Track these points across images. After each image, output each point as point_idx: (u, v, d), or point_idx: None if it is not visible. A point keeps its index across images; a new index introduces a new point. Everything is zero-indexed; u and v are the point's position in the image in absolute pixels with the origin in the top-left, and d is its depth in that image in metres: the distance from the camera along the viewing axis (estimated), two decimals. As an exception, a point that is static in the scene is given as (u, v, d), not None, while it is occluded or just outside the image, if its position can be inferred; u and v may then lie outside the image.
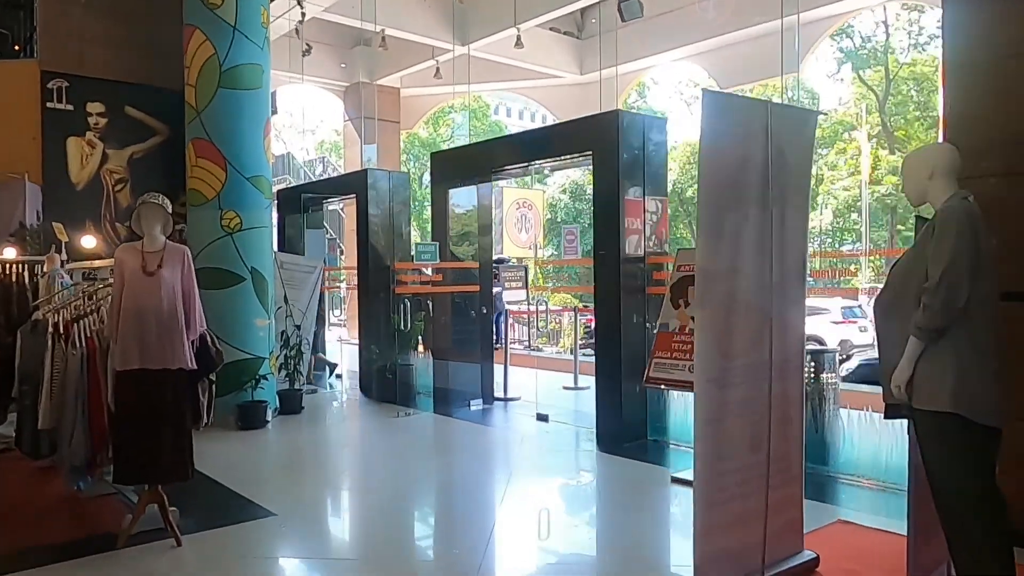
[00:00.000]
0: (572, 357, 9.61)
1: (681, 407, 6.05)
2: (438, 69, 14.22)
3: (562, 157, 6.68)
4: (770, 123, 3.15)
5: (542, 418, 7.08)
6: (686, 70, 24.65)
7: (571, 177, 32.90)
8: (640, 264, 6.15)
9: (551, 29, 15.23)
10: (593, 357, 8.20)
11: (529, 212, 27.74)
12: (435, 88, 16.21)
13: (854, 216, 25.60)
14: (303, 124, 34.47)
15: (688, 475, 4.98)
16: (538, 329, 8.46)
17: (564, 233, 6.98)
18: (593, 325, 8.37)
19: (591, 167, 6.39)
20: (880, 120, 23.98)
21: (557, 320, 16.67)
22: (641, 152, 6.13)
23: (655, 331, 5.23)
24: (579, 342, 9.65)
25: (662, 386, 5.14)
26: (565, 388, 8.98)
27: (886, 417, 2.90)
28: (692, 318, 4.85)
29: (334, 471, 5.87)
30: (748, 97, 3.37)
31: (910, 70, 25.87)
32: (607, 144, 6.07)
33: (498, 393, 8.13)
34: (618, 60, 14.14)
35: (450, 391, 7.81)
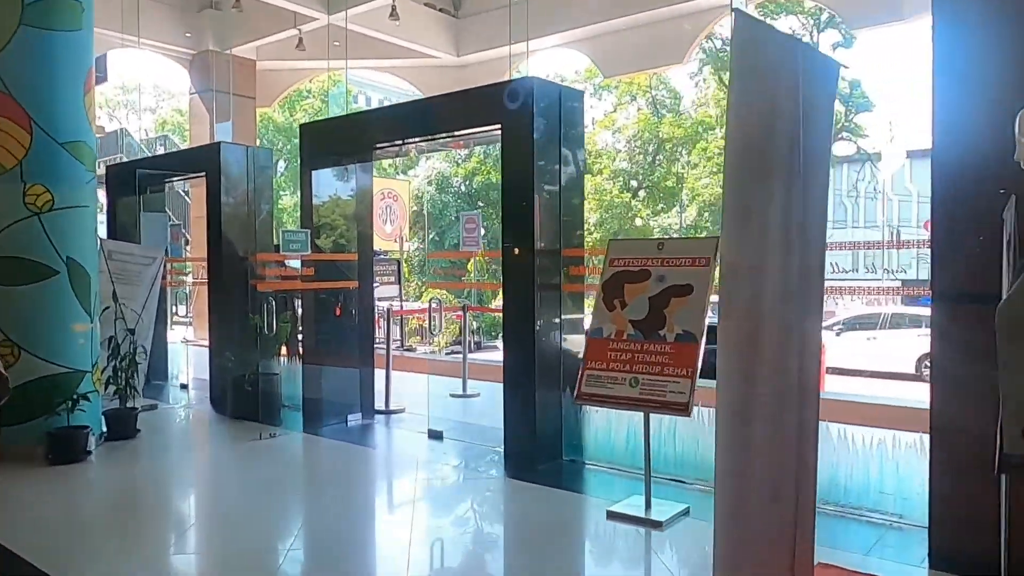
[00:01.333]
0: (446, 358, 8.66)
1: (601, 420, 5.28)
2: (301, 40, 12.78)
3: (462, 132, 5.71)
4: (803, 67, 2.37)
5: (435, 436, 6.09)
6: (568, 57, 24.34)
7: (436, 168, 31.91)
8: (555, 257, 5.31)
9: (426, 4, 14.15)
10: (463, 358, 7.43)
11: (394, 203, 26.46)
12: (297, 62, 14.68)
13: (715, 214, 26.30)
14: (140, 98, 31.16)
15: (629, 508, 4.16)
16: (431, 332, 7.44)
17: (463, 221, 6.00)
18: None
19: (499, 143, 5.48)
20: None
21: (421, 318, 15.68)
22: (557, 127, 5.28)
23: (585, 336, 4.39)
24: (463, 342, 8.71)
25: (598, 405, 4.31)
26: (453, 396, 8.03)
27: (1002, 472, 2.17)
28: (631, 322, 4.09)
29: (175, 520, 4.58)
30: (779, 31, 2.53)
31: (765, 74, 26.90)
32: (519, 116, 5.17)
33: (379, 404, 7.05)
34: (500, 42, 13.30)
35: (323, 404, 6.64)
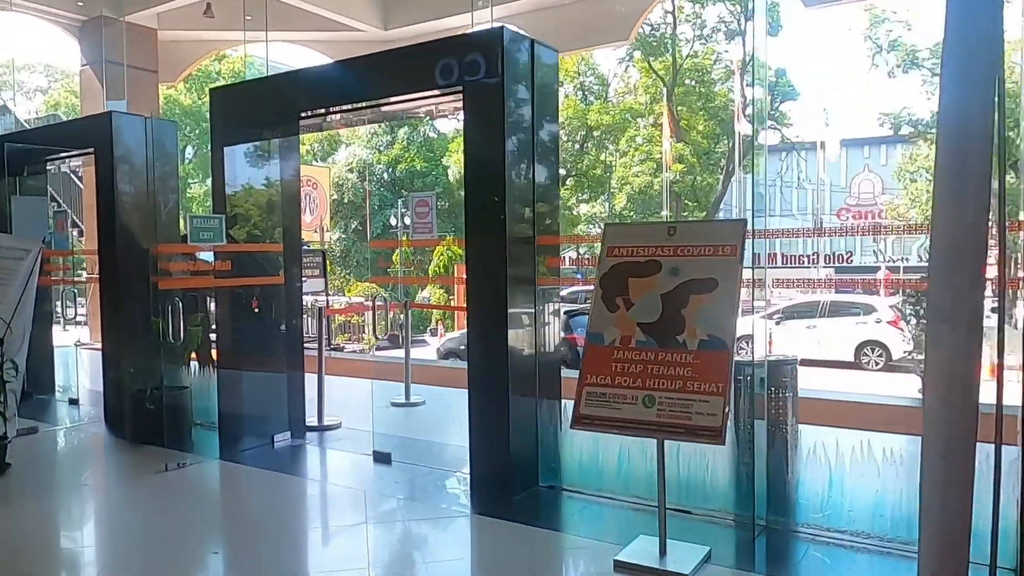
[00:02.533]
0: (379, 357, 7.70)
1: (584, 437, 4.46)
2: (209, 6, 11.44)
3: (414, 95, 4.74)
4: None
5: (382, 459, 5.14)
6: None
7: (358, 155, 30.49)
8: (528, 246, 4.45)
9: (350, -28, 12.98)
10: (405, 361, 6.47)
11: (314, 191, 25.06)
12: (205, 32, 13.28)
13: (648, 202, 26.01)
14: (14, 74, 28.55)
15: (640, 556, 3.34)
16: (375, 334, 6.45)
17: (413, 204, 5.05)
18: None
19: (460, 110, 4.57)
20: (667, 109, 24.41)
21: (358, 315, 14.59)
22: (529, 92, 4.41)
23: (584, 344, 3.55)
24: (405, 342, 7.73)
25: (602, 430, 3.46)
26: (395, 405, 7.08)
27: None
28: (640, 326, 3.27)
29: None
30: None
31: (692, 62, 26.76)
32: (486, 77, 4.27)
33: (311, 419, 6.04)
34: (432, 15, 12.31)
35: (244, 422, 5.58)
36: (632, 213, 26.32)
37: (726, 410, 3.11)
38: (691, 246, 3.44)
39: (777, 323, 15.40)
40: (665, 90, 24.28)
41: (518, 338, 4.38)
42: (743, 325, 3.52)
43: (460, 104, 4.54)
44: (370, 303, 5.90)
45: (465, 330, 5.56)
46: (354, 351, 13.20)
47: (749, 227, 3.52)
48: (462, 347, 12.65)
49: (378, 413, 6.22)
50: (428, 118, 30.05)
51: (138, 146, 6.21)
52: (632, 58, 27.21)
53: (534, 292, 4.46)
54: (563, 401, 4.65)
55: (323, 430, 6.02)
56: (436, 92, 4.56)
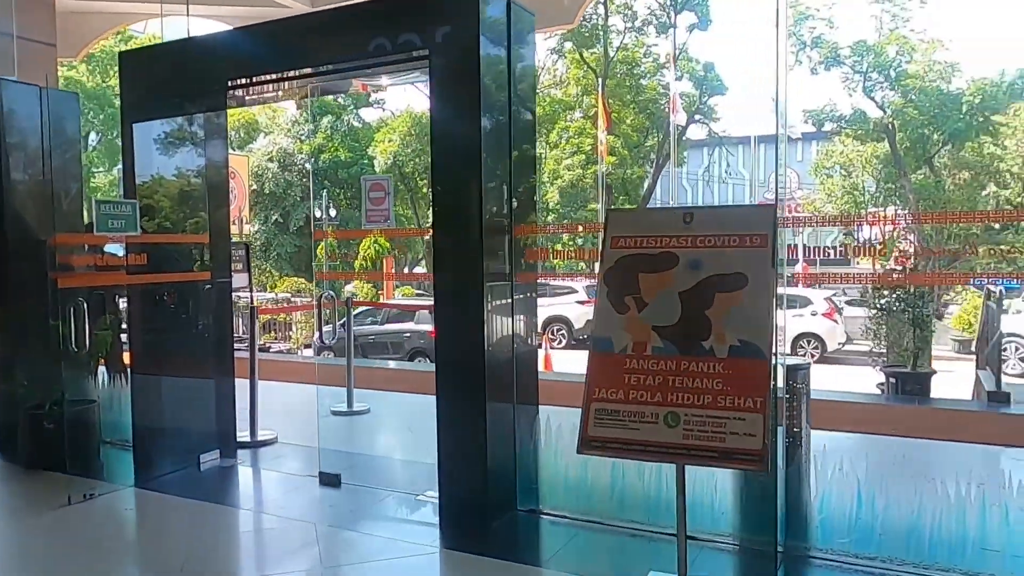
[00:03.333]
0: (312, 359, 7.00)
1: (568, 451, 3.93)
2: (116, -29, 10.34)
3: (370, 60, 4.07)
4: None
5: (329, 481, 4.47)
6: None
7: (278, 144, 29.08)
8: (505, 237, 3.88)
9: (274, -58, 12.01)
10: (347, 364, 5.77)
11: (232, 180, 23.64)
12: (112, 3, 12.08)
13: (579, 194, 25.75)
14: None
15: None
16: (323, 339, 5.72)
17: (367, 188, 4.39)
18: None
19: (425, 77, 3.94)
20: (601, 100, 24.18)
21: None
22: (506, 57, 3.83)
23: (589, 350, 2.99)
24: (347, 344, 7.02)
25: (616, 455, 2.91)
26: (336, 414, 6.38)
27: None
28: (655, 329, 2.76)
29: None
30: None
31: (623, 54, 26.62)
32: (458, 38, 3.67)
33: (243, 434, 5.31)
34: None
35: (163, 440, 4.80)
36: (560, 207, 26.02)
37: (768, 429, 2.62)
38: (713, 236, 2.93)
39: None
40: (600, 81, 24.01)
41: (495, 338, 3.80)
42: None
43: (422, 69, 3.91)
44: (307, 300, 5.15)
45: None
46: (281, 351, 12.31)
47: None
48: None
49: (313, 422, 5.51)
50: (375, 93, 28.88)
51: (31, 120, 5.30)
52: (563, 49, 26.86)
53: (511, 289, 3.89)
54: (540, 407, 4.12)
55: (257, 446, 5.30)
56: (397, 55, 3.90)
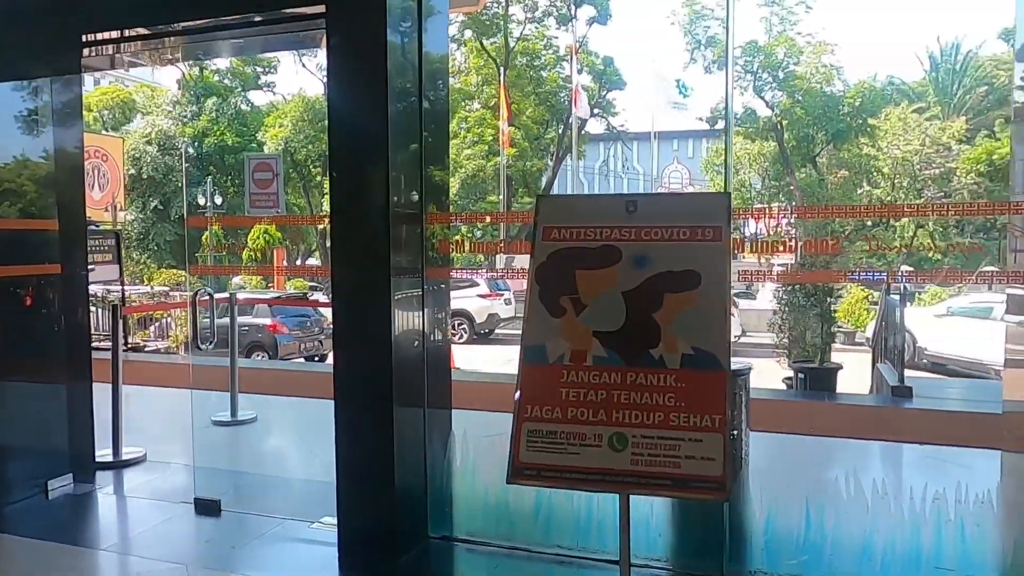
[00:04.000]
0: (191, 360, 6.27)
1: (487, 467, 3.51)
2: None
3: (254, 14, 3.46)
4: None
5: (207, 508, 3.85)
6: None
7: (158, 125, 27.07)
8: (415, 226, 3.39)
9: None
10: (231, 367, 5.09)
11: (104, 164, 21.80)
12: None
13: (480, 185, 25.33)
14: None
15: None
16: (199, 342, 4.94)
17: (251, 169, 3.77)
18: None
19: (315, 43, 3.38)
20: (503, 90, 23.83)
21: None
22: (417, 19, 3.33)
23: (520, 360, 2.54)
24: (231, 343, 6.30)
25: (554, 485, 2.47)
26: (218, 424, 5.69)
27: None
28: (597, 336, 2.38)
29: None
30: None
31: (523, 44, 26.37)
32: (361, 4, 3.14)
33: (104, 452, 4.57)
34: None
35: (2, 462, 4.02)
36: (459, 199, 25.52)
37: (728, 451, 2.27)
38: (660, 227, 2.56)
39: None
40: (503, 70, 23.63)
41: (403, 335, 3.31)
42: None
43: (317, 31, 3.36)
44: (188, 295, 4.46)
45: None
46: (158, 351, 11.25)
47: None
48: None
49: (196, 435, 4.83)
50: (265, 75, 27.33)
51: None
52: (463, 37, 26.31)
53: (422, 284, 3.41)
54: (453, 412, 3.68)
55: (121, 467, 4.57)
56: (288, 14, 3.33)
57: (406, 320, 3.35)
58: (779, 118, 24.23)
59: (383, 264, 3.17)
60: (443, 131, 3.71)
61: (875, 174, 24.76)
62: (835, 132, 23.62)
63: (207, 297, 4.94)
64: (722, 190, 28.35)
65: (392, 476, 3.29)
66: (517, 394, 2.48)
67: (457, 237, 3.94)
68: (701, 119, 26.20)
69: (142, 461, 4.67)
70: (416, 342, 3.42)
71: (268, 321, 11.89)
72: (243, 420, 5.74)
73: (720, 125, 26.82)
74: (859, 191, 24.80)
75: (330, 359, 12.67)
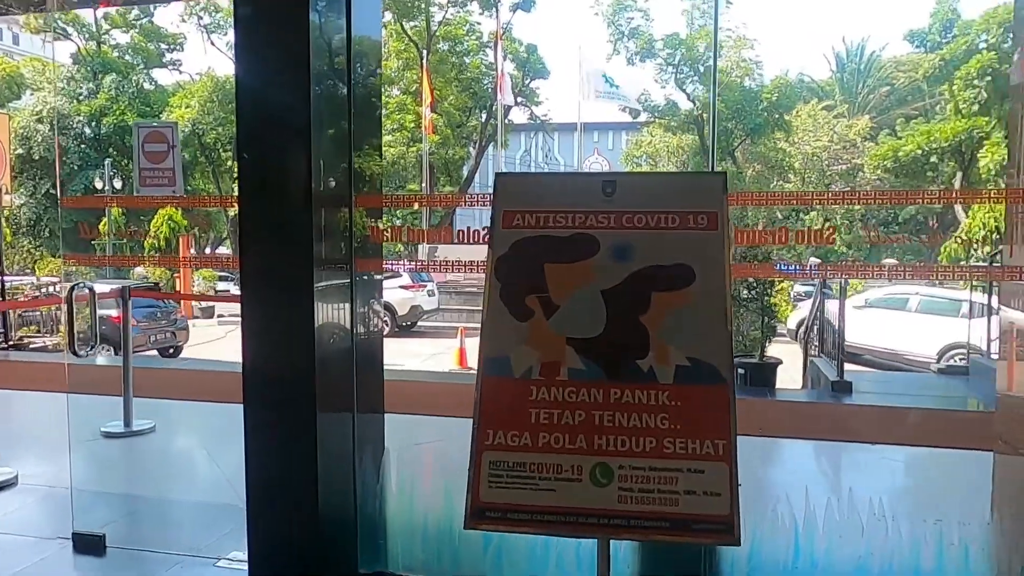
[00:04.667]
0: (82, 360, 5.53)
1: (425, 486, 3.04)
2: None
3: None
4: None
5: (88, 546, 3.22)
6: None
7: (50, 103, 25.04)
8: (342, 212, 2.87)
9: None
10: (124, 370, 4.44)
11: (-13, 143, 20.06)
12: None
13: (401, 173, 24.56)
14: None
15: None
16: (73, 344, 4.18)
17: (141, 140, 3.14)
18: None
19: None
20: (426, 75, 23.13)
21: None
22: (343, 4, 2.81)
23: (478, 373, 2.08)
24: (123, 344, 5.55)
25: (521, 529, 2.01)
26: (109, 436, 4.98)
27: None
28: (572, 343, 1.96)
29: None
30: None
31: (445, 29, 25.74)
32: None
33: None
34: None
35: None
36: (381, 187, 24.62)
37: (736, 484, 1.88)
38: (644, 213, 2.14)
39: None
40: (426, 54, 22.93)
41: (328, 330, 2.80)
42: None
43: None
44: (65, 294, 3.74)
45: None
46: (46, 348, 10.17)
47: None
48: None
49: (80, 449, 4.14)
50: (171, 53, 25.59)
51: None
52: (382, 19, 25.42)
53: (352, 269, 2.89)
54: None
55: (-16, 493, 3.86)
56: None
57: (332, 313, 2.84)
58: (700, 112, 24.47)
59: (304, 251, 2.65)
60: (374, 114, 3.20)
61: (787, 169, 25.40)
62: (753, 126, 24.05)
63: (86, 291, 4.22)
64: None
65: (315, 499, 2.78)
66: (476, 415, 2.02)
67: (385, 225, 3.45)
68: (624, 110, 26.19)
69: (12, 484, 3.96)
70: (343, 337, 2.91)
71: (114, 312, 10.88)
72: (139, 431, 5.04)
73: (643, 117, 26.95)
74: (771, 185, 25.37)
75: (187, 353, 11.88)
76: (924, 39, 24.44)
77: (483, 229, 2.80)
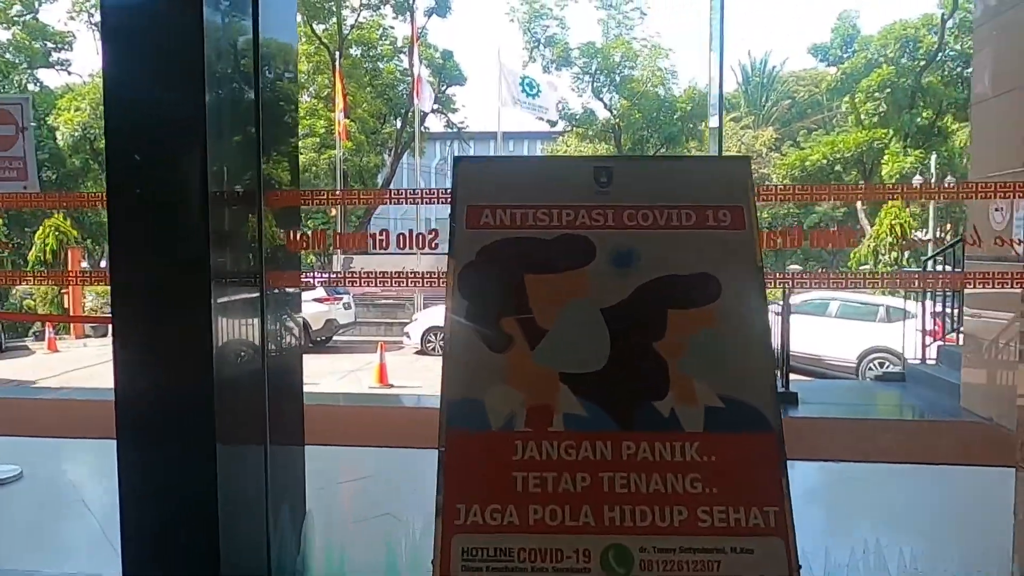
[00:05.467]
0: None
1: (371, 554, 2.46)
2: None
3: None
4: None
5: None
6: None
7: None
8: (246, 220, 2.27)
9: None
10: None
11: None
12: None
13: (313, 181, 23.49)
14: None
15: None
16: None
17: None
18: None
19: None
20: (339, 79, 22.20)
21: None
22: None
23: (443, 425, 1.53)
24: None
25: None
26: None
27: None
28: (567, 380, 1.43)
29: None
30: None
31: (358, 33, 24.92)
32: None
33: None
34: None
35: None
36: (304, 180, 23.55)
37: (797, 566, 1.40)
38: (651, 209, 1.65)
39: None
40: (338, 57, 22.05)
41: (231, 349, 2.19)
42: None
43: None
44: None
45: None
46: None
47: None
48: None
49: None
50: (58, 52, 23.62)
51: None
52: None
53: (261, 281, 2.30)
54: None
55: None
56: None
57: (237, 330, 2.23)
58: (618, 120, 24.55)
59: (198, 261, 2.03)
60: (283, 119, 2.62)
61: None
62: (668, 135, 24.29)
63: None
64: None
65: (215, 560, 2.16)
66: (439, 481, 1.48)
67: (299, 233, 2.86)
68: (542, 119, 26.00)
69: None
70: (252, 357, 2.31)
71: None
72: (1, 480, 4.19)
73: (560, 127, 26.83)
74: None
75: (71, 379, 10.48)
76: (827, 53, 25.34)
77: (408, 233, 2.29)
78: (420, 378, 11.44)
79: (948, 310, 7.17)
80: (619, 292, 1.58)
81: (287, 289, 2.49)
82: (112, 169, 2.12)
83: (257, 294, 2.31)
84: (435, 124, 28.13)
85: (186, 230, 2.04)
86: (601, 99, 24.76)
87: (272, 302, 2.35)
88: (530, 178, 1.77)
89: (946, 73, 22.73)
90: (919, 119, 22.14)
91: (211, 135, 2.07)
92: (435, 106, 26.37)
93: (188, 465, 2.16)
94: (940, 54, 22.12)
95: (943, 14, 21.60)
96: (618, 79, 24.69)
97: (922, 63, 21.98)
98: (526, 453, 1.47)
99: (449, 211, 1.67)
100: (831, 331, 11.27)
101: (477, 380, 1.53)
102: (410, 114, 23.96)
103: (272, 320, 2.38)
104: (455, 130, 28.04)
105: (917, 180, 19.84)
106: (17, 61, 24.97)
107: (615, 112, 24.62)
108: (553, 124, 26.59)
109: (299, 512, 2.57)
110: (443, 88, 26.21)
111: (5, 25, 25.48)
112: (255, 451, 2.36)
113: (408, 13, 24.21)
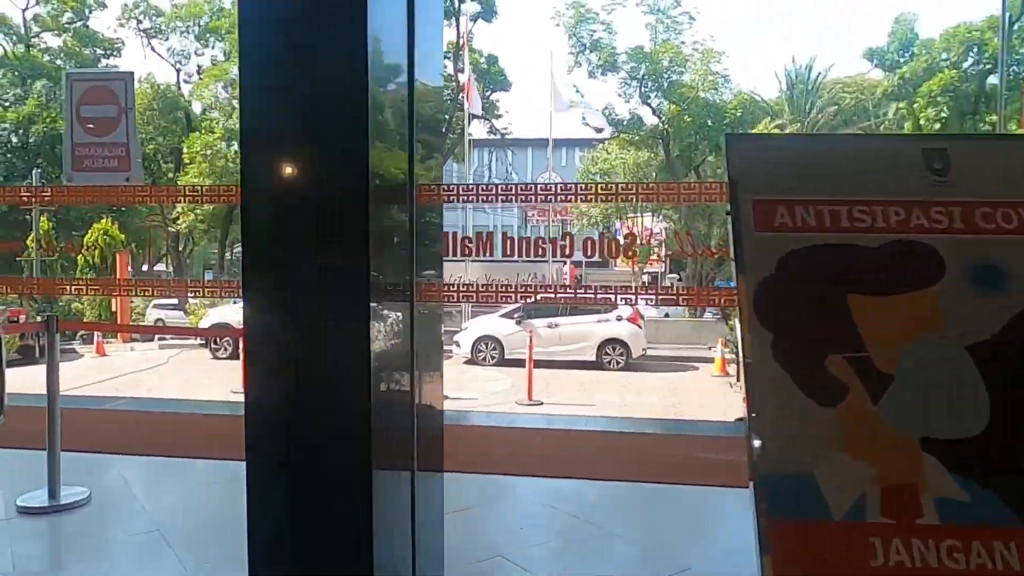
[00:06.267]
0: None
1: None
2: None
3: None
4: None
5: None
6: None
7: (-29, 109, 23.03)
8: (398, 204, 1.85)
9: None
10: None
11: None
12: None
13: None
14: None
15: None
16: None
17: (74, 97, 2.07)
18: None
19: None
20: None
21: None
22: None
23: (759, 511, 1.09)
24: None
25: None
26: (26, 512, 3.75)
27: None
28: (929, 448, 0.92)
29: None
30: None
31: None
32: None
33: None
34: None
35: None
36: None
37: None
38: (1014, 207, 1.20)
39: (518, 322, 14.12)
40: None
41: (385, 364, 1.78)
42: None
43: None
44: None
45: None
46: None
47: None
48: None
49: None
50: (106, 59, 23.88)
51: None
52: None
53: (412, 287, 1.88)
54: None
55: None
56: None
57: (388, 344, 1.83)
58: (666, 126, 24.00)
59: (359, 271, 1.62)
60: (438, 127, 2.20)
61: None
62: (718, 142, 23.67)
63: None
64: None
65: None
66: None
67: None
68: (587, 124, 25.58)
69: None
70: (400, 375, 1.90)
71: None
72: (68, 504, 3.82)
73: (607, 132, 26.36)
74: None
75: (121, 384, 10.10)
76: (884, 57, 24.54)
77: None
78: (476, 389, 11.02)
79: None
80: (986, 324, 1.12)
81: (431, 301, 2.07)
82: (247, 175, 1.72)
83: (407, 303, 1.89)
84: (477, 130, 27.82)
85: (342, 236, 1.63)
86: (649, 104, 24.22)
87: (422, 320, 1.94)
88: (836, 164, 1.31)
89: (1011, 78, 21.84)
90: (982, 124, 21.29)
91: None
92: (480, 113, 26.07)
93: (336, 494, 1.79)
94: (1007, 58, 21.26)
95: (1009, 16, 20.75)
96: (666, 84, 24.14)
97: (988, 67, 21.15)
98: (890, 557, 1.01)
99: (728, 206, 1.23)
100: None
101: (802, 447, 1.07)
102: (454, 120, 23.66)
103: (419, 333, 1.97)
104: (500, 136, 27.69)
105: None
106: (68, 67, 25.26)
107: (663, 118, 24.06)
108: (599, 131, 26.15)
109: (439, 542, 2.17)
110: (488, 93, 25.90)
111: (56, 32, 25.80)
112: (404, 477, 1.97)
113: (453, 18, 23.96)
